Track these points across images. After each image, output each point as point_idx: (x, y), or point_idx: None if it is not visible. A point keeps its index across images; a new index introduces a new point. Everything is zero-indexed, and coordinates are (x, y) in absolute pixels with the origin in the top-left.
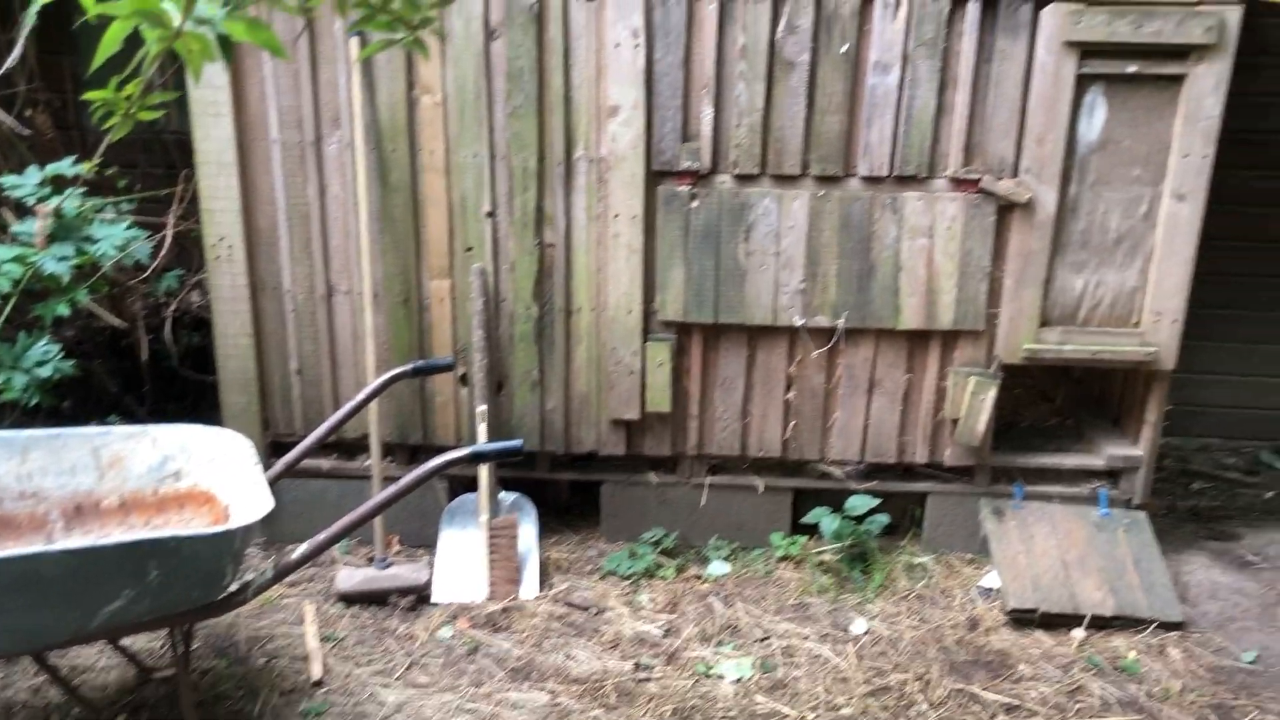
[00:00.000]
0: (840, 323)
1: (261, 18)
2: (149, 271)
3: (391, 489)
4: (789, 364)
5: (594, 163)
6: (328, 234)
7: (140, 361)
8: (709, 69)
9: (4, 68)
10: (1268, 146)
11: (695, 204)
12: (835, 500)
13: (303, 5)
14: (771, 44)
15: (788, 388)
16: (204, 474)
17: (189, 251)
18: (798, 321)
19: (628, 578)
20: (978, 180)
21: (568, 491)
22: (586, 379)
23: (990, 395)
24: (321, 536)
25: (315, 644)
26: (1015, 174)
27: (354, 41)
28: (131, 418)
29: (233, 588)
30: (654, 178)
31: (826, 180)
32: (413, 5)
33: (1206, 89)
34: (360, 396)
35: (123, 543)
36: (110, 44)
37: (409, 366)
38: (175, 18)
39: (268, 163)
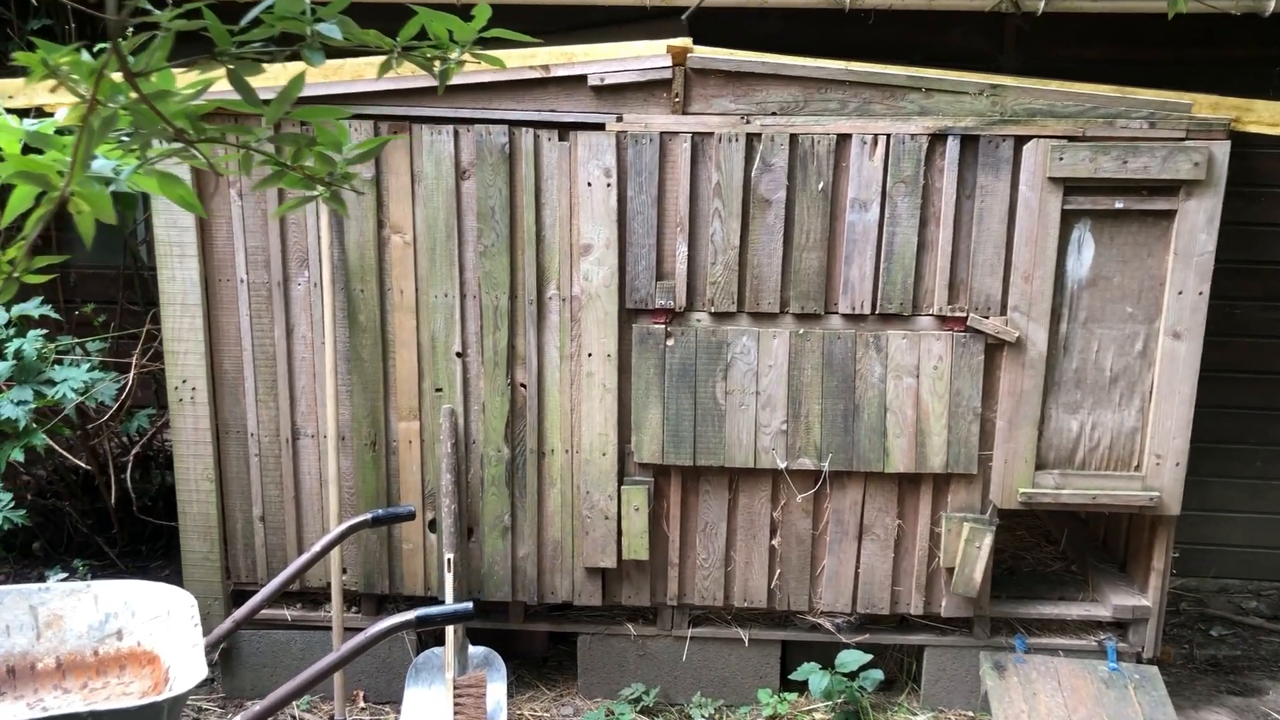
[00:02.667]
0: (825, 465)
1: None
2: (110, 412)
3: (334, 656)
4: (773, 508)
5: (567, 301)
6: (294, 375)
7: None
8: (683, 207)
9: None
10: (1270, 277)
11: (671, 342)
12: (828, 653)
13: (214, 162)
14: (746, 181)
15: (772, 533)
16: (147, 633)
17: (164, 389)
18: (780, 464)
19: None
20: (964, 318)
21: (545, 641)
22: (560, 524)
23: (986, 542)
24: (257, 709)
25: None
26: (1003, 311)
27: None
28: (103, 559)
29: None
30: (628, 316)
31: (806, 318)
32: (326, 161)
33: (1198, 224)
34: (316, 547)
35: None
36: (19, 204)
37: (368, 516)
38: (62, 176)
39: (234, 304)
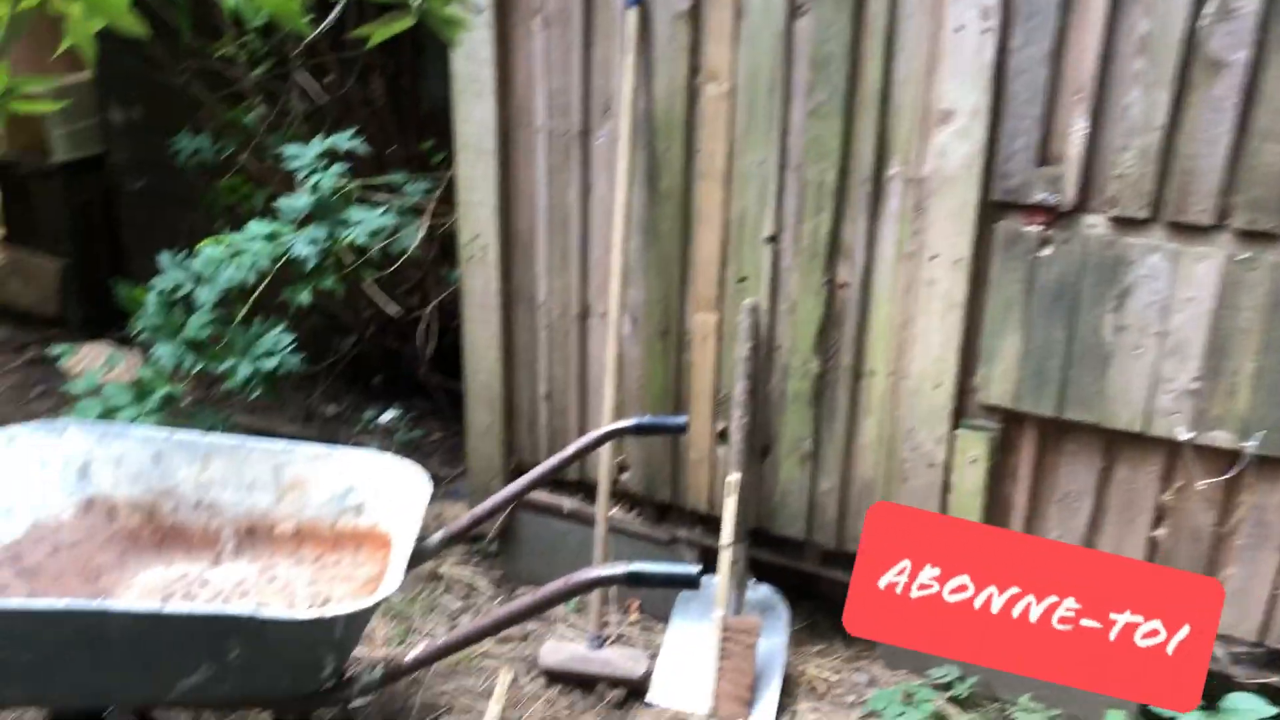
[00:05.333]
0: (1250, 445)
1: None
2: (400, 259)
3: (523, 602)
4: (1162, 490)
5: (911, 183)
6: (588, 244)
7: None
8: (1088, 67)
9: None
10: None
11: (1047, 251)
12: (1214, 685)
13: None
14: (1190, 34)
15: (1156, 521)
16: (386, 515)
17: None
18: (1183, 435)
19: None
20: None
21: None
22: (873, 461)
23: None
24: (416, 655)
25: None
26: None
27: (632, 13)
28: (433, 401)
29: (347, 675)
30: (991, 210)
31: (1255, 237)
32: None
33: None
34: (568, 451)
35: (198, 615)
36: None
37: (631, 423)
38: None
39: (531, 154)
